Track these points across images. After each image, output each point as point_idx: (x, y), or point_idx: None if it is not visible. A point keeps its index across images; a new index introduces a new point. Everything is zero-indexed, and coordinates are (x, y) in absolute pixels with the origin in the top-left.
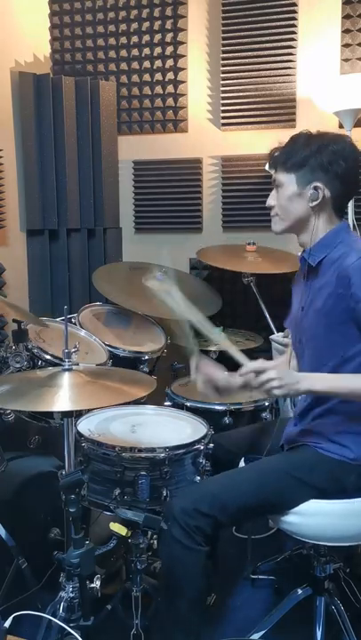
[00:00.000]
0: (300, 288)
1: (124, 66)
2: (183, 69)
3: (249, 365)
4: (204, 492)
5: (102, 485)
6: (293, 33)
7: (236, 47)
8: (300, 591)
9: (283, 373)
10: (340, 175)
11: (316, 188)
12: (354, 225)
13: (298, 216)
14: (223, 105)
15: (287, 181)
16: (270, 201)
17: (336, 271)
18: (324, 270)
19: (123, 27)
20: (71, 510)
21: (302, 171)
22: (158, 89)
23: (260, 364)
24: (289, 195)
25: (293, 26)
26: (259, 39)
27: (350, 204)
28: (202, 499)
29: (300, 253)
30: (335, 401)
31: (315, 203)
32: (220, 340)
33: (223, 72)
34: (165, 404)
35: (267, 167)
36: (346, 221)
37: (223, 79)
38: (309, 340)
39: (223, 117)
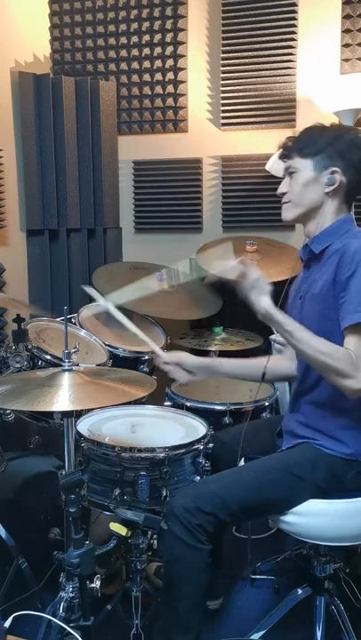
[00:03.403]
0: (298, 282)
1: (124, 66)
2: (183, 69)
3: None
4: (205, 490)
5: (102, 485)
6: (293, 33)
7: (236, 47)
8: (300, 591)
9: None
10: (356, 163)
11: (333, 173)
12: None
13: (312, 201)
14: (223, 105)
15: (303, 167)
16: (283, 188)
17: (337, 259)
18: (325, 259)
19: (123, 27)
20: (71, 510)
21: (319, 156)
22: (158, 89)
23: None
24: (305, 180)
25: (293, 26)
26: (259, 39)
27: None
28: (203, 497)
29: (303, 242)
30: (323, 393)
31: (330, 188)
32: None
33: (223, 72)
34: (165, 404)
35: (267, 167)
36: (351, 214)
37: (223, 79)
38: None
39: (223, 117)
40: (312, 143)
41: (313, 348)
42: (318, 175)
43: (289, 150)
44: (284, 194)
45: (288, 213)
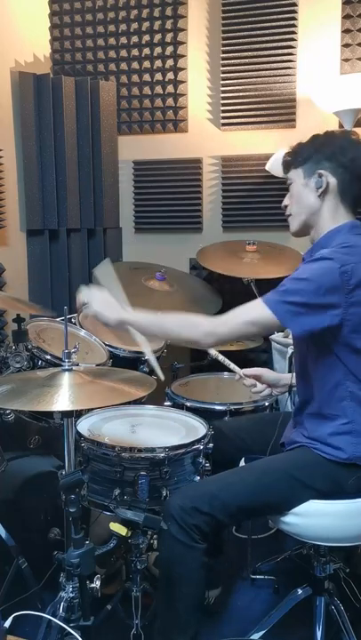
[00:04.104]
0: None
1: (124, 66)
2: (183, 69)
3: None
4: (203, 491)
5: (102, 485)
6: (293, 33)
7: (236, 47)
8: (300, 591)
9: (100, 303)
10: (344, 163)
11: (320, 176)
12: None
13: (307, 208)
14: (223, 105)
15: (296, 176)
16: (285, 201)
17: None
18: None
19: (123, 27)
20: (71, 510)
21: (308, 163)
22: (158, 89)
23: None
24: (298, 188)
25: (293, 26)
26: (259, 39)
27: None
28: (201, 498)
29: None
30: (317, 404)
31: (320, 190)
32: None
33: (223, 72)
34: (165, 404)
35: (267, 167)
36: (355, 220)
37: (223, 79)
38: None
39: (223, 117)
40: (301, 152)
41: (160, 320)
42: (308, 180)
43: (287, 165)
44: (286, 207)
45: (292, 225)
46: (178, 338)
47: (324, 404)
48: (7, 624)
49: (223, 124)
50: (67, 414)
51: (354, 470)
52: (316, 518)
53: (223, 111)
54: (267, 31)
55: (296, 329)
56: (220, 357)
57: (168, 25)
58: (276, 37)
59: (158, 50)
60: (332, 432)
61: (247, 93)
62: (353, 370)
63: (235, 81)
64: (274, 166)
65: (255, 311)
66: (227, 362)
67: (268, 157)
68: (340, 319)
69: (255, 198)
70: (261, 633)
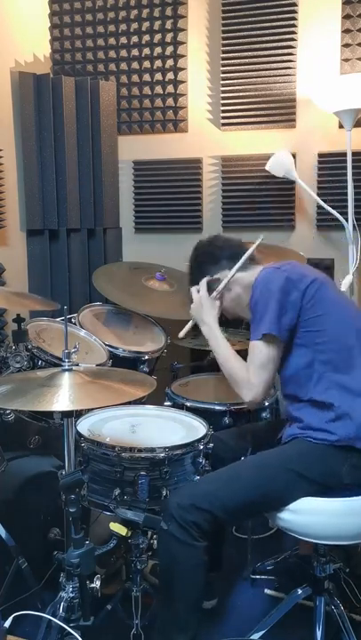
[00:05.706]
0: None
1: (124, 66)
2: (183, 69)
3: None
4: (201, 488)
5: (102, 485)
6: (293, 33)
7: (236, 47)
8: (300, 591)
9: (197, 308)
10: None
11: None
12: (354, 225)
13: (229, 309)
14: (223, 105)
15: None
16: None
17: None
18: None
19: (123, 27)
20: (71, 510)
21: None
22: (158, 89)
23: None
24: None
25: (293, 26)
26: (259, 39)
27: (350, 205)
28: (199, 495)
29: None
30: (307, 400)
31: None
32: None
33: (223, 72)
34: (165, 404)
35: (267, 167)
36: (263, 266)
37: (223, 79)
38: None
39: (223, 117)
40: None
41: (224, 358)
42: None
43: None
44: None
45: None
46: (227, 375)
47: (322, 396)
48: (7, 624)
49: (223, 124)
50: (67, 414)
51: (347, 454)
52: (313, 516)
53: (223, 111)
54: (267, 31)
55: (282, 334)
56: None
57: (168, 25)
58: (276, 37)
59: (158, 50)
60: (325, 419)
61: (247, 93)
62: (325, 354)
63: (235, 81)
64: (274, 166)
65: (253, 352)
66: None
67: (268, 157)
68: (300, 302)
69: (255, 198)
70: (261, 633)
